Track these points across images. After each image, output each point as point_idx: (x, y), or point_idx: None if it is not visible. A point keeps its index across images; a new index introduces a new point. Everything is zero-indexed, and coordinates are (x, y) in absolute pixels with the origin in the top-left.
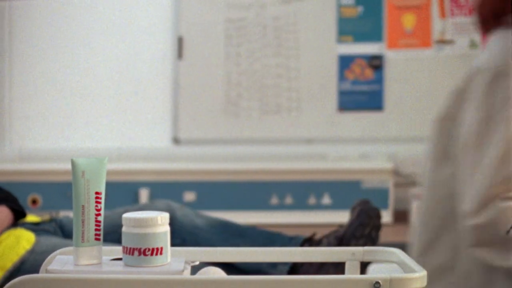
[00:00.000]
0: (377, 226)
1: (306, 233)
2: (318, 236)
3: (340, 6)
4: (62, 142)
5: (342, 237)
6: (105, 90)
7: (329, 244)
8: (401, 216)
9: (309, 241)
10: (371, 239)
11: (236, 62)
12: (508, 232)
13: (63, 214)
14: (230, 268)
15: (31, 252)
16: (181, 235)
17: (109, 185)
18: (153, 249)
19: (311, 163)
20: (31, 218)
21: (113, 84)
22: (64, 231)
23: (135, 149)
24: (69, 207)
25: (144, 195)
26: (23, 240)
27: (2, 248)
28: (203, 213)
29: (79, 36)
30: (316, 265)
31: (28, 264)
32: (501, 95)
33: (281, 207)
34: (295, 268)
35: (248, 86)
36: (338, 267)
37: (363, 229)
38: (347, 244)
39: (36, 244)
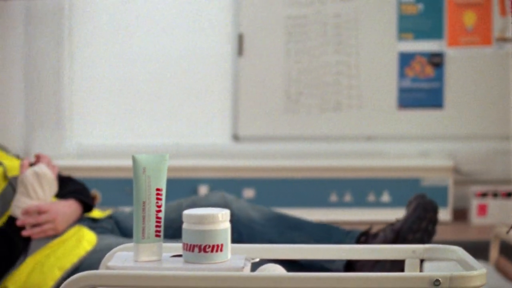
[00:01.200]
0: (434, 220)
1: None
2: (374, 230)
3: (400, 3)
4: (121, 139)
5: (399, 231)
6: (165, 87)
7: (385, 238)
8: (460, 214)
9: (366, 235)
10: (428, 233)
11: (296, 59)
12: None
13: (121, 210)
14: (289, 262)
15: (91, 252)
16: (237, 229)
17: (168, 182)
18: (213, 246)
19: (370, 160)
20: (96, 213)
21: (173, 81)
22: (120, 227)
23: (195, 145)
24: (128, 203)
25: (203, 191)
26: (85, 241)
27: (64, 249)
28: (258, 206)
29: (139, 33)
30: (373, 259)
31: (86, 264)
32: None
33: (340, 204)
34: (351, 262)
35: (308, 83)
36: (394, 262)
37: (420, 223)
38: (404, 237)
39: (96, 245)
